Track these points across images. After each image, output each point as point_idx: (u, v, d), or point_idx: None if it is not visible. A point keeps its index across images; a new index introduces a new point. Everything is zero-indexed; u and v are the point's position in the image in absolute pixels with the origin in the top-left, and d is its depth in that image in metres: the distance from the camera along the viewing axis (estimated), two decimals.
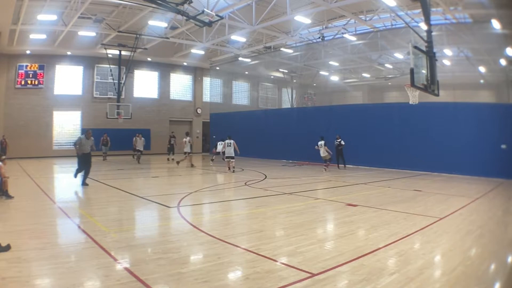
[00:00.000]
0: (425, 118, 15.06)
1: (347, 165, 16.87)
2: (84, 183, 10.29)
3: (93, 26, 18.82)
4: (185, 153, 17.33)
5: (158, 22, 18.10)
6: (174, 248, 4.76)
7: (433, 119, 14.87)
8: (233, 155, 14.77)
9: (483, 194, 9.64)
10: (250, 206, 8.22)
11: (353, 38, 20.78)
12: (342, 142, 16.27)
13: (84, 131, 24.84)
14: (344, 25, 19.23)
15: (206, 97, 29.72)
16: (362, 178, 13.15)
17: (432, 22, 10.82)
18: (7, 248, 4.38)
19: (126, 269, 3.94)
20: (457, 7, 14.73)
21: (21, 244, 4.63)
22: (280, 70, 31.05)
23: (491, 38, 16.10)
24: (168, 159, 20.49)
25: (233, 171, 14.63)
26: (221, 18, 14.68)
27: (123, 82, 23.50)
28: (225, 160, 15.00)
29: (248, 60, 26.37)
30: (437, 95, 9.58)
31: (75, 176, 10.70)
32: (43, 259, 4.16)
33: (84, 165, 10.38)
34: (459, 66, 21.58)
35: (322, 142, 15.34)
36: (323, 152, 15.29)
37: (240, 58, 25.47)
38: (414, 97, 13.80)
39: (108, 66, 23.27)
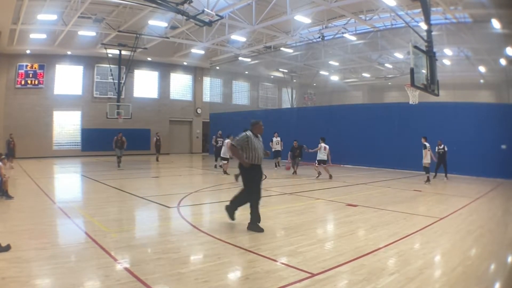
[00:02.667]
0: (425, 118, 15.06)
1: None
2: (254, 226, 5.71)
3: (93, 26, 18.81)
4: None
5: (158, 22, 18.09)
6: (174, 248, 4.76)
7: (433, 119, 14.86)
8: (226, 156, 13.62)
9: (483, 194, 9.64)
10: None
11: (353, 38, 20.77)
12: (446, 148, 12.79)
13: (84, 131, 25.40)
14: (344, 24, 19.22)
15: (206, 97, 29.71)
16: (362, 178, 13.15)
17: (432, 22, 10.82)
18: (7, 248, 4.38)
19: (126, 269, 3.94)
20: (457, 7, 14.72)
21: (21, 244, 4.63)
22: (280, 70, 31.05)
23: (491, 38, 16.10)
24: (215, 166, 16.43)
25: (223, 172, 13.69)
26: (221, 17, 14.70)
27: (123, 82, 23.49)
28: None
29: (248, 60, 26.36)
30: (437, 95, 9.58)
31: (233, 215, 6.02)
32: (43, 259, 4.17)
33: (251, 186, 5.77)
34: (459, 66, 21.58)
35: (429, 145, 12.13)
36: (428, 159, 11.98)
37: (240, 58, 25.47)
38: (414, 97, 13.80)
39: (108, 66, 23.27)
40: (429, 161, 11.98)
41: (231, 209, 6.02)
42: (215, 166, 16.32)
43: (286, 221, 6.49)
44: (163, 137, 21.21)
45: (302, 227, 5.92)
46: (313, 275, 3.81)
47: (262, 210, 7.52)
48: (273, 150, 16.29)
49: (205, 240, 5.18)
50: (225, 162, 13.81)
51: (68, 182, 12.58)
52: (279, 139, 16.74)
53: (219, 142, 16.69)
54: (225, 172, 13.69)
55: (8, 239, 4.63)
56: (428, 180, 11.88)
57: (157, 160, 20.37)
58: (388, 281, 3.72)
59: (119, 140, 16.78)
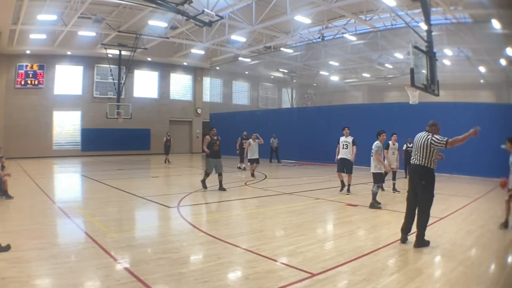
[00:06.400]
0: (425, 118, 14.97)
1: None
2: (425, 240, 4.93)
3: (93, 26, 18.81)
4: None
5: (158, 22, 18.09)
6: (174, 248, 4.76)
7: (433, 119, 14.79)
8: (254, 157, 12.75)
9: (483, 194, 9.64)
10: (250, 206, 8.22)
11: (353, 38, 20.77)
12: None
13: (84, 131, 25.38)
14: (344, 25, 19.21)
15: (206, 97, 29.74)
16: (362, 178, 13.13)
17: (432, 22, 10.81)
18: (7, 248, 4.37)
19: (126, 269, 3.94)
20: (457, 7, 14.72)
21: (21, 244, 4.62)
22: (280, 70, 31.06)
23: (491, 38, 16.10)
24: (240, 167, 15.39)
25: (251, 174, 12.89)
26: (221, 18, 14.69)
27: (123, 82, 23.50)
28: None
29: (248, 60, 26.36)
30: (437, 95, 9.57)
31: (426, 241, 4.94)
32: (43, 259, 4.16)
33: (432, 197, 5.03)
34: (459, 66, 21.59)
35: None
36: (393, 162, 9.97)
37: (240, 58, 25.47)
38: (414, 97, 13.79)
39: (108, 66, 23.27)
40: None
41: (423, 239, 4.89)
42: (240, 168, 15.67)
43: (286, 221, 6.48)
44: (163, 137, 20.95)
45: (302, 227, 5.91)
46: (313, 275, 3.81)
47: (261, 210, 7.56)
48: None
49: (205, 240, 5.18)
50: (254, 164, 12.88)
51: (68, 182, 12.57)
52: (396, 145, 10.34)
53: (244, 143, 15.12)
54: (252, 175, 12.82)
55: (8, 239, 4.62)
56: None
57: (166, 162, 18.67)
58: (388, 281, 3.72)
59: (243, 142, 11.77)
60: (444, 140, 4.90)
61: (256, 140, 12.91)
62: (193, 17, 13.35)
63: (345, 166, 9.31)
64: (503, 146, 13.01)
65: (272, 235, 5.65)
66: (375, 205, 7.54)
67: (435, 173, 5.02)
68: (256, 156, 12.80)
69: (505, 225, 6.02)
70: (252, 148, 12.75)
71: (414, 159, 5.13)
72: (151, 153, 25.93)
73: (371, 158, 8.00)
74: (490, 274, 4.19)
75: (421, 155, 5.01)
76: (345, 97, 31.44)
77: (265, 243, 4.99)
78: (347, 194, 9.24)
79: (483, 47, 19.58)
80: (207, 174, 9.54)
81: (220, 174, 9.54)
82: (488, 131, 13.14)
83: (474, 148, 13.40)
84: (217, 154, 9.48)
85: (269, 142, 19.19)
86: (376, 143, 7.90)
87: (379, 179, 7.85)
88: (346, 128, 9.54)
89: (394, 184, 10.15)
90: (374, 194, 7.69)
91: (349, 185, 9.44)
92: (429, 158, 4.95)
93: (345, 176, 9.42)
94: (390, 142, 9.95)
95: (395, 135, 10.19)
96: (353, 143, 9.32)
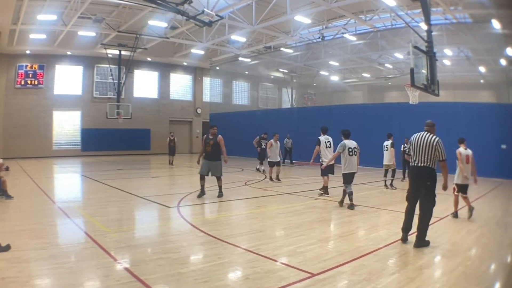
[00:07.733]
0: (425, 118, 14.96)
1: None
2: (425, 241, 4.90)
3: (93, 26, 18.81)
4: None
5: (158, 22, 18.10)
6: (174, 248, 4.76)
7: (433, 119, 14.76)
8: (275, 160, 11.74)
9: (483, 194, 9.63)
10: (250, 206, 8.21)
11: (353, 38, 20.78)
12: None
13: (84, 131, 25.40)
14: (344, 25, 19.22)
15: (206, 97, 29.75)
16: (362, 178, 13.14)
17: (432, 22, 10.83)
18: (7, 248, 4.37)
19: (126, 269, 3.94)
20: (457, 7, 14.73)
21: (21, 244, 4.62)
22: (280, 70, 31.05)
23: (491, 38, 16.09)
24: (258, 169, 14.42)
25: (273, 178, 11.91)
26: (221, 18, 14.69)
27: (123, 82, 23.52)
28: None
29: (248, 60, 26.37)
30: (437, 95, 9.57)
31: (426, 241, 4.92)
32: (43, 259, 4.16)
33: (435, 198, 5.01)
34: (459, 66, 21.57)
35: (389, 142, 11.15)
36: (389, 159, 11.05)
37: (240, 58, 25.48)
38: (414, 97, 13.79)
39: (108, 66, 23.28)
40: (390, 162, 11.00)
41: (424, 239, 4.85)
42: (257, 169, 14.49)
43: (286, 221, 6.48)
44: (163, 137, 20.89)
45: (302, 227, 5.91)
46: (313, 275, 3.81)
47: (261, 210, 7.56)
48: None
49: (205, 240, 5.17)
50: (275, 167, 11.80)
51: (68, 182, 12.57)
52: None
53: (263, 144, 14.35)
54: (277, 179, 11.86)
55: (8, 239, 4.62)
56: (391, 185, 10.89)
57: (170, 163, 18.05)
58: (388, 281, 3.72)
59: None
60: (444, 157, 5.01)
61: (278, 141, 11.99)
62: (193, 17, 13.36)
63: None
64: (503, 146, 13.05)
65: (272, 235, 5.65)
66: (353, 206, 7.42)
67: (436, 173, 5.03)
68: (278, 159, 11.80)
69: (454, 214, 6.76)
70: (274, 150, 11.75)
71: (416, 161, 5.04)
72: (151, 153, 25.95)
73: (351, 158, 7.60)
74: (490, 274, 4.19)
75: (425, 155, 4.94)
76: (345, 97, 31.41)
77: (265, 243, 4.98)
78: (324, 195, 9.07)
79: (483, 47, 19.56)
80: (201, 177, 8.61)
81: (218, 178, 8.68)
82: (488, 131, 13.23)
83: (474, 148, 13.38)
84: (209, 155, 8.48)
85: (283, 143, 18.34)
86: (354, 143, 7.62)
87: (350, 179, 7.61)
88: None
89: (385, 181, 10.94)
90: (350, 194, 7.50)
91: (325, 187, 9.22)
92: (434, 159, 4.92)
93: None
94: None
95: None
96: (316, 143, 9.09)
